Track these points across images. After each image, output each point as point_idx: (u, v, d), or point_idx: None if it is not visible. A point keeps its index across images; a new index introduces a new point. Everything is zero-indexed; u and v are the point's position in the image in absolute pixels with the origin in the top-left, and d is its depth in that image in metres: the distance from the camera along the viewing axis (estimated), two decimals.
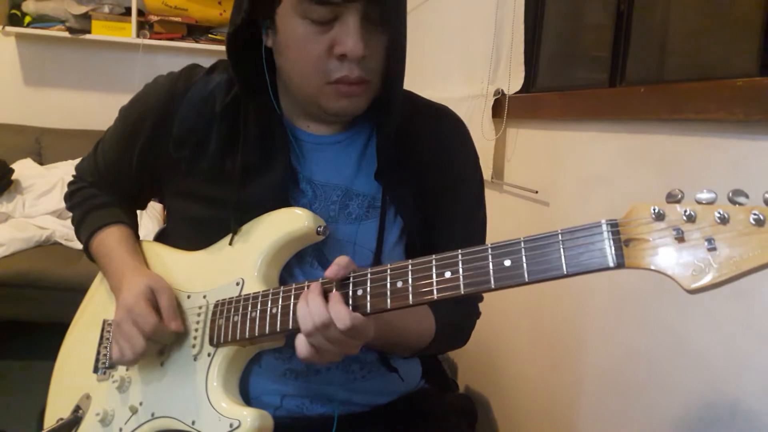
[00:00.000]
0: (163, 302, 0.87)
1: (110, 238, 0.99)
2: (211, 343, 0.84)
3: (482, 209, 0.99)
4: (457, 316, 0.96)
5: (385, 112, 0.86)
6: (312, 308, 0.70)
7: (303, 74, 0.82)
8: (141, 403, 0.88)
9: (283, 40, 0.81)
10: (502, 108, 1.70)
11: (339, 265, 0.72)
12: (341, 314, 0.69)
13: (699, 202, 0.53)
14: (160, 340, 0.86)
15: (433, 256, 0.66)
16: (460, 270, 0.64)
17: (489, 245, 0.63)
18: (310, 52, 0.79)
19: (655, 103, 1.10)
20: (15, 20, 3.13)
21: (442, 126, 0.96)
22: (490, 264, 0.62)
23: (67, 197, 1.08)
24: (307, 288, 0.74)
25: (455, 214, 0.94)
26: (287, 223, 0.84)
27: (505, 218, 1.72)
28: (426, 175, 0.92)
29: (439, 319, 0.91)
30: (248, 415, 0.78)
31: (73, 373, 1.01)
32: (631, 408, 1.18)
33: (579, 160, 1.39)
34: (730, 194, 0.52)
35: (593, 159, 1.34)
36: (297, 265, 0.87)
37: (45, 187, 2.81)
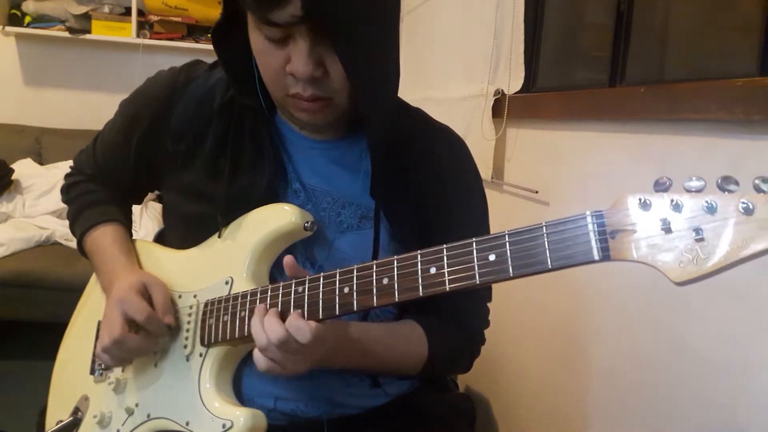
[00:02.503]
0: (157, 297, 0.86)
1: (103, 238, 0.98)
2: (202, 343, 0.84)
3: (485, 233, 0.97)
4: (457, 341, 0.94)
5: (367, 127, 0.83)
6: (267, 327, 0.72)
7: (268, 83, 0.82)
8: (137, 405, 0.88)
9: (253, 48, 0.80)
10: (502, 108, 1.69)
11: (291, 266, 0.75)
12: (302, 329, 0.70)
13: (688, 191, 0.51)
14: (154, 331, 0.85)
15: (418, 252, 0.66)
16: (445, 266, 0.63)
17: (473, 239, 0.62)
18: (269, 66, 0.79)
19: (655, 103, 1.10)
20: (15, 20, 3.12)
21: (444, 150, 0.94)
22: (475, 259, 0.61)
23: (64, 190, 1.08)
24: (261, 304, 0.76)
25: (456, 238, 0.92)
26: (274, 219, 0.83)
27: (505, 218, 1.71)
28: (425, 196, 0.90)
29: (433, 343, 0.90)
30: (241, 415, 0.77)
31: (71, 375, 1.01)
32: (631, 408, 1.18)
33: (579, 160, 1.39)
34: (719, 181, 0.50)
35: (593, 159, 1.34)
36: None
37: (45, 187, 2.81)
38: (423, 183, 0.90)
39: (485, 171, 1.75)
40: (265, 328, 0.72)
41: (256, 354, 0.73)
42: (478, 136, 1.76)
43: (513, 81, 1.68)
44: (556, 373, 1.46)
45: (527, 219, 1.62)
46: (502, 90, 1.71)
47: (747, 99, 0.88)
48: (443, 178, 0.92)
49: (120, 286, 0.88)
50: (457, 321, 0.93)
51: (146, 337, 0.85)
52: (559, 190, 1.47)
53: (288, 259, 0.75)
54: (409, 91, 2.43)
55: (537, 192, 1.54)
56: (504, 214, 1.72)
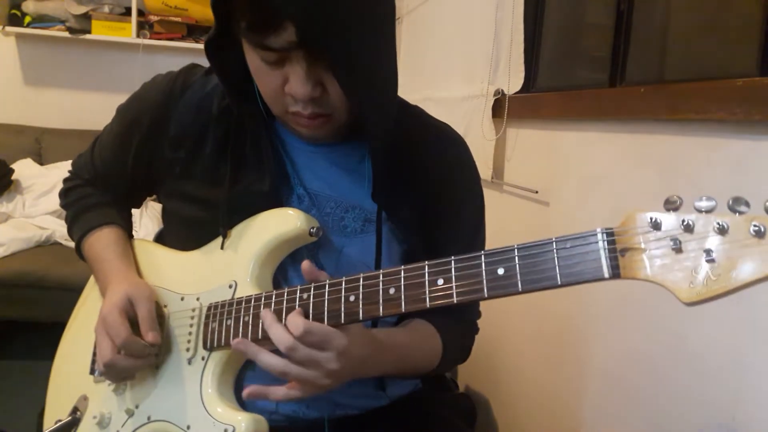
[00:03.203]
0: (141, 312, 0.86)
1: (100, 241, 0.98)
2: (204, 346, 0.84)
3: (482, 233, 0.98)
4: (461, 335, 0.96)
5: (370, 137, 0.82)
6: (275, 336, 0.71)
7: (267, 101, 0.82)
8: (137, 406, 0.88)
9: (249, 66, 0.79)
10: (502, 108, 1.69)
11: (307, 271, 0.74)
12: (296, 323, 0.69)
13: (698, 210, 0.51)
14: (133, 354, 0.84)
15: (426, 263, 0.65)
16: (453, 278, 0.63)
17: (482, 252, 0.61)
18: (267, 86, 0.78)
19: (655, 103, 1.10)
20: (15, 20, 3.12)
21: (444, 148, 0.94)
22: (483, 272, 0.61)
23: (62, 194, 1.08)
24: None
25: (455, 237, 0.93)
26: (279, 224, 0.83)
27: (505, 218, 1.71)
28: (426, 195, 0.90)
29: (445, 339, 0.90)
30: (243, 420, 0.77)
31: (70, 375, 1.01)
32: (631, 408, 1.18)
33: (579, 160, 1.39)
34: (731, 202, 0.50)
35: (593, 159, 1.34)
36: (291, 265, 0.87)
37: (45, 187, 2.81)
38: (424, 182, 0.90)
39: (485, 171, 1.75)
40: (276, 337, 0.71)
41: (281, 389, 0.73)
42: (478, 136, 1.76)
43: (513, 81, 1.68)
44: (556, 373, 1.46)
45: (527, 219, 1.62)
46: (502, 90, 1.71)
47: (747, 99, 0.88)
48: (443, 177, 0.92)
49: (107, 300, 0.87)
50: (454, 315, 0.94)
51: (134, 358, 0.85)
52: (559, 190, 1.47)
53: (305, 264, 0.74)
54: (409, 91, 2.43)
55: (537, 192, 1.54)
56: (504, 214, 1.72)
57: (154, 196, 1.09)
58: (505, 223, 1.71)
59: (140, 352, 0.85)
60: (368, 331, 0.78)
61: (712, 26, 1.19)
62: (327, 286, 0.72)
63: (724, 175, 0.95)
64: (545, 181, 1.52)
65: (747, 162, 0.92)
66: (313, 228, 0.82)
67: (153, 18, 3.17)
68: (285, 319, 0.73)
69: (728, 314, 0.94)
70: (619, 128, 1.24)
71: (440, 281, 0.64)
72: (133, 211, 1.11)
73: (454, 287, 0.63)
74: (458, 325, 0.95)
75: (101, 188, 1.04)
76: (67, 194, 1.07)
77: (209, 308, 0.85)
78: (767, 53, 0.98)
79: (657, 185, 1.11)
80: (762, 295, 0.87)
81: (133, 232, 1.08)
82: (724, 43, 1.14)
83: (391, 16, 0.80)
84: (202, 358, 0.84)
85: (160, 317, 0.90)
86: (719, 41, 1.15)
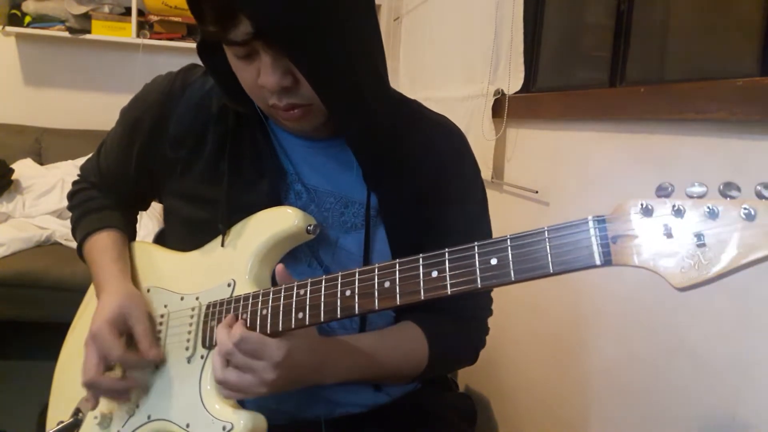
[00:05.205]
0: (138, 329, 0.86)
1: (98, 245, 0.98)
2: (203, 345, 0.84)
3: (484, 226, 0.96)
4: (458, 335, 0.94)
5: (349, 134, 0.82)
6: (218, 339, 0.75)
7: (250, 95, 0.82)
8: (137, 406, 0.88)
9: (230, 64, 0.80)
10: (502, 108, 1.69)
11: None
12: (235, 330, 0.73)
13: (689, 196, 0.51)
14: (132, 368, 0.85)
15: (420, 255, 0.66)
16: (447, 269, 0.63)
17: (476, 243, 0.62)
18: (245, 81, 0.79)
19: (655, 103, 1.10)
20: (15, 20, 3.12)
21: (440, 140, 0.93)
22: (477, 263, 0.61)
23: (69, 197, 1.08)
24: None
25: (455, 230, 0.91)
26: (277, 222, 0.83)
27: (505, 218, 1.71)
28: (424, 189, 0.90)
29: (433, 342, 0.89)
30: (241, 418, 0.77)
31: (72, 376, 1.01)
32: (631, 408, 1.18)
33: (579, 160, 1.39)
34: (721, 187, 0.50)
35: (593, 159, 1.34)
36: (291, 263, 0.87)
37: (45, 187, 2.81)
38: (421, 175, 0.90)
39: (485, 171, 1.75)
40: (218, 339, 0.74)
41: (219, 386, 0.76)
42: (478, 136, 1.76)
43: (513, 81, 1.69)
44: (557, 373, 1.46)
45: (527, 219, 1.62)
46: (502, 90, 1.71)
47: (747, 99, 0.88)
48: (440, 169, 0.91)
49: (98, 315, 0.87)
50: (456, 314, 0.93)
51: (122, 379, 0.86)
52: (559, 190, 1.47)
53: (279, 268, 0.76)
54: (409, 91, 2.43)
55: (537, 192, 1.54)
56: (504, 214, 1.72)
57: None
58: (505, 223, 1.71)
59: (139, 366, 0.86)
60: (321, 339, 0.79)
61: (712, 26, 1.19)
62: (323, 281, 0.72)
63: (724, 175, 0.95)
64: (545, 181, 1.52)
65: (747, 162, 0.92)
66: (310, 226, 0.82)
67: (153, 18, 3.17)
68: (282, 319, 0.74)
69: (728, 313, 0.94)
70: (620, 128, 1.24)
71: (434, 273, 0.64)
72: None
73: (447, 278, 0.63)
74: (458, 324, 0.93)
75: (106, 191, 1.05)
76: (72, 197, 1.07)
77: (208, 307, 0.85)
78: (767, 53, 0.99)
79: (657, 185, 1.11)
80: (763, 293, 0.88)
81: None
82: (724, 43, 1.14)
83: (364, 5, 0.80)
84: (201, 357, 0.84)
85: (156, 324, 0.90)
86: (719, 41, 1.15)
